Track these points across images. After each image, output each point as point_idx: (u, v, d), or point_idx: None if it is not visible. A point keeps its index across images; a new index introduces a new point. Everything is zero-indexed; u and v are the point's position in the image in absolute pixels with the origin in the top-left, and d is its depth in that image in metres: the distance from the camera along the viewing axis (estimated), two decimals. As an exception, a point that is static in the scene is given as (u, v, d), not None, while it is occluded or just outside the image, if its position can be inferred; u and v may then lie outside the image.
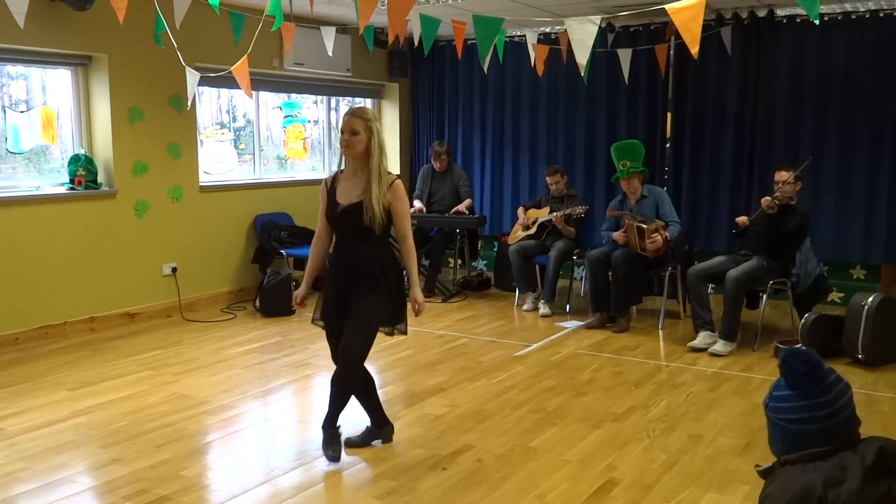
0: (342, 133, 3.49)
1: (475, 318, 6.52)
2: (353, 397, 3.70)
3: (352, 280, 3.54)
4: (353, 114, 3.51)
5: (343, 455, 3.61)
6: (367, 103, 8.54)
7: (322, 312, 3.68)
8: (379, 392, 3.91)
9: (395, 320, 3.64)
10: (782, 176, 5.46)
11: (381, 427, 3.81)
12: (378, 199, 3.44)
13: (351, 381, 3.58)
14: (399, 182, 3.56)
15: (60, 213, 5.69)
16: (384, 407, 3.87)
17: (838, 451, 1.76)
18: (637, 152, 6.11)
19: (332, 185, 3.61)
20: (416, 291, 3.61)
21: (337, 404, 3.60)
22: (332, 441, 3.61)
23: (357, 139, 3.47)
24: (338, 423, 3.63)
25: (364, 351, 3.52)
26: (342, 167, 3.66)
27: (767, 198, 5.42)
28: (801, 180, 5.55)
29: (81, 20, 5.58)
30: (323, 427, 3.63)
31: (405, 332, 3.67)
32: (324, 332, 3.70)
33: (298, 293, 3.76)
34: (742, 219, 5.70)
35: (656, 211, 6.04)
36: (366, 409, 3.80)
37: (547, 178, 6.84)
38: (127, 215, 6.09)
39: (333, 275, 3.64)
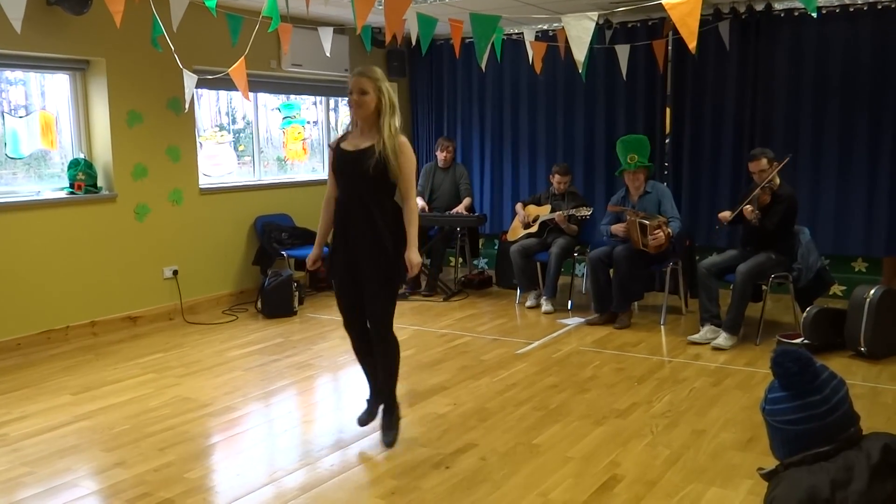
0: (351, 94, 3.44)
1: (477, 316, 6.52)
2: (361, 368, 3.82)
3: (359, 242, 3.50)
4: (361, 73, 3.46)
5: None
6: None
7: (332, 272, 3.68)
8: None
9: (401, 279, 3.65)
10: (759, 165, 5.42)
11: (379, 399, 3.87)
12: (389, 143, 3.38)
13: (393, 347, 3.66)
14: (406, 140, 3.52)
15: (61, 218, 5.69)
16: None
17: (842, 450, 1.73)
18: (644, 147, 6.10)
19: (338, 142, 3.58)
20: (413, 252, 3.53)
21: (386, 378, 3.70)
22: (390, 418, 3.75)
23: (367, 99, 3.42)
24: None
25: (392, 314, 3.61)
26: (350, 129, 3.60)
27: (748, 207, 5.36)
28: (777, 161, 5.46)
29: (79, 25, 5.58)
30: (384, 412, 3.77)
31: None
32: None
33: (311, 256, 3.78)
34: (724, 214, 5.64)
35: (658, 207, 6.02)
36: (369, 380, 3.85)
37: (556, 175, 6.79)
38: (127, 219, 6.10)
39: (339, 238, 3.58)
